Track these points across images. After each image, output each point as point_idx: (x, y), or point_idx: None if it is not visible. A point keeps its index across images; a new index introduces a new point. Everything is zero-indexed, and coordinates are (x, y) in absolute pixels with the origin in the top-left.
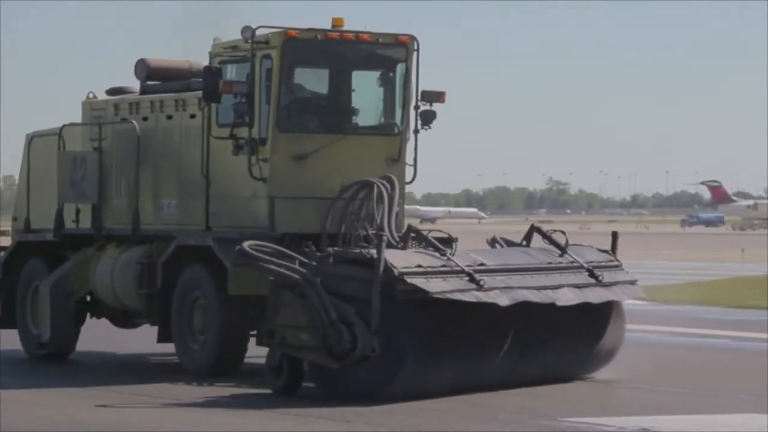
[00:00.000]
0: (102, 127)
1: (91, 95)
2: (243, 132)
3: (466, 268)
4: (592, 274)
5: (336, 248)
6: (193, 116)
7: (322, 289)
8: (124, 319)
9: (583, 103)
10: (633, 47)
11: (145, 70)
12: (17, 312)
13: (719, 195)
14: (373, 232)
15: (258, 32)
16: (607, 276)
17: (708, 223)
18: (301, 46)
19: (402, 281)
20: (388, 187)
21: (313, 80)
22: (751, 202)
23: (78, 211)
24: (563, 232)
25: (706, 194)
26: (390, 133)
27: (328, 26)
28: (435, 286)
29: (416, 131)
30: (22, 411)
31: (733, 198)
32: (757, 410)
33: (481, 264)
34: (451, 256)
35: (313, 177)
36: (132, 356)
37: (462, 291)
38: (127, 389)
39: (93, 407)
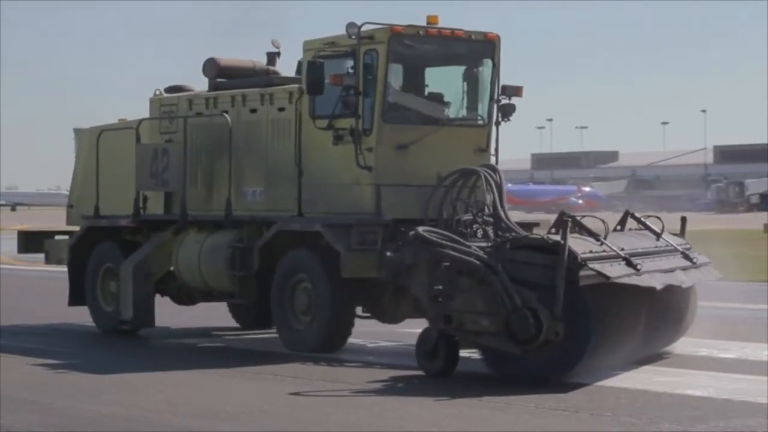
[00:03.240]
0: (176, 120)
1: (157, 92)
2: (341, 123)
3: (621, 253)
4: (686, 257)
5: (513, 234)
6: (281, 109)
7: (505, 275)
8: (190, 297)
9: None
10: None
11: (215, 69)
12: (87, 291)
13: None
14: (481, 215)
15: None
16: (697, 258)
17: None
18: (404, 42)
19: (585, 267)
20: (494, 174)
21: (412, 74)
22: None
23: (146, 199)
24: (659, 218)
25: None
26: (478, 124)
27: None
28: (611, 270)
29: (497, 123)
30: (217, 393)
31: None
32: None
33: (622, 249)
34: (604, 241)
35: (413, 165)
36: (194, 331)
37: (629, 275)
38: (264, 370)
39: (286, 395)
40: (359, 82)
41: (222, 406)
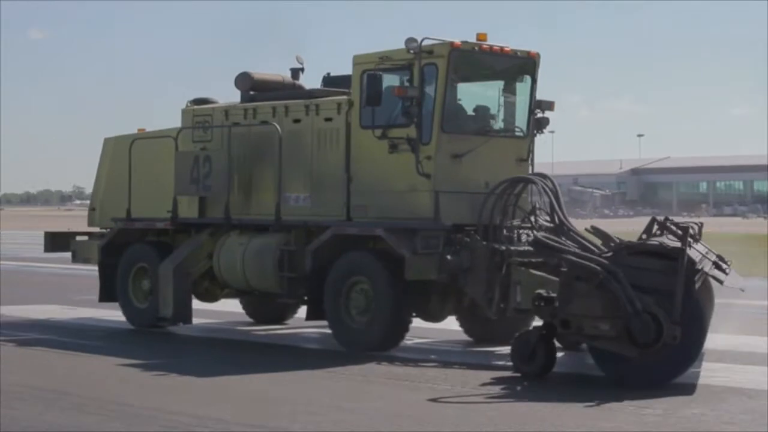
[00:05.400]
0: (211, 129)
1: (188, 104)
2: (395, 132)
3: (711, 258)
4: (720, 259)
5: (629, 240)
6: (329, 119)
7: (625, 280)
8: (214, 294)
9: None
10: None
11: (249, 82)
12: (119, 289)
13: None
14: (535, 220)
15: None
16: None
17: None
18: (462, 57)
19: (702, 272)
20: (546, 181)
21: (464, 87)
22: None
23: (176, 203)
24: (696, 223)
25: None
26: (518, 136)
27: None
28: (720, 275)
29: (533, 135)
30: (347, 393)
31: None
32: None
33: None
34: (694, 246)
35: (465, 174)
36: (217, 326)
37: (729, 279)
38: (349, 370)
39: (425, 401)
40: (420, 93)
41: (364, 409)
